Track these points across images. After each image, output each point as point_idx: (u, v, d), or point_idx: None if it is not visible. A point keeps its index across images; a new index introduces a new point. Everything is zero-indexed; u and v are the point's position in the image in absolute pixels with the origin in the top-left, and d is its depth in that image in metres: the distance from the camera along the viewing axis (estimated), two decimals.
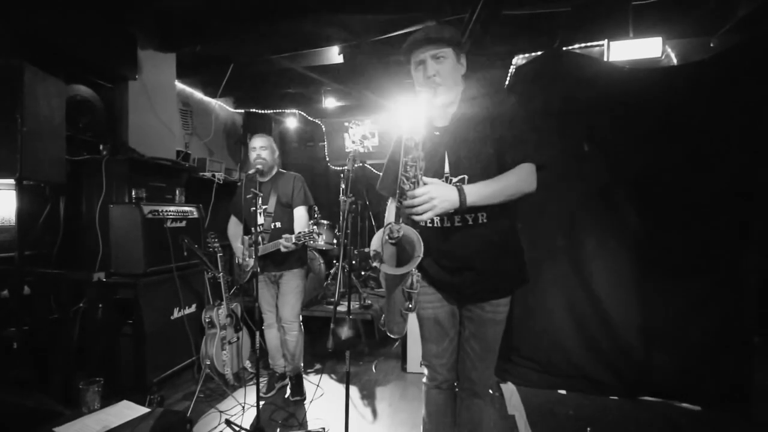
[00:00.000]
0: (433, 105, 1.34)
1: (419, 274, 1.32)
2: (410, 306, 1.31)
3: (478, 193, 1.23)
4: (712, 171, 2.41)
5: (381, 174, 1.61)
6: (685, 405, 2.46)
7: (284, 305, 2.61)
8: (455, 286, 1.42)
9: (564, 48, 2.74)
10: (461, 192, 1.21)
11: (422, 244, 1.22)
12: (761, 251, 2.41)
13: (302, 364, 2.76)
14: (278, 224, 2.56)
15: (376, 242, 1.30)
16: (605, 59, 2.66)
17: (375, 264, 1.28)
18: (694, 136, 2.44)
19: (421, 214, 1.19)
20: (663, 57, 2.58)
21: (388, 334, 1.43)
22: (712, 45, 2.69)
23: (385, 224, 1.37)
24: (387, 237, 1.26)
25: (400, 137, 1.53)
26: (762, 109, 2.29)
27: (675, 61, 2.68)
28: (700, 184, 2.45)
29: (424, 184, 1.22)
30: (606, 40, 2.64)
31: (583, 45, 2.71)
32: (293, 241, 2.34)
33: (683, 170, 2.47)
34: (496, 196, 1.26)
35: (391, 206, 1.56)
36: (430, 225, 1.40)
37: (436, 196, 1.19)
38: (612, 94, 2.56)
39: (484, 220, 1.35)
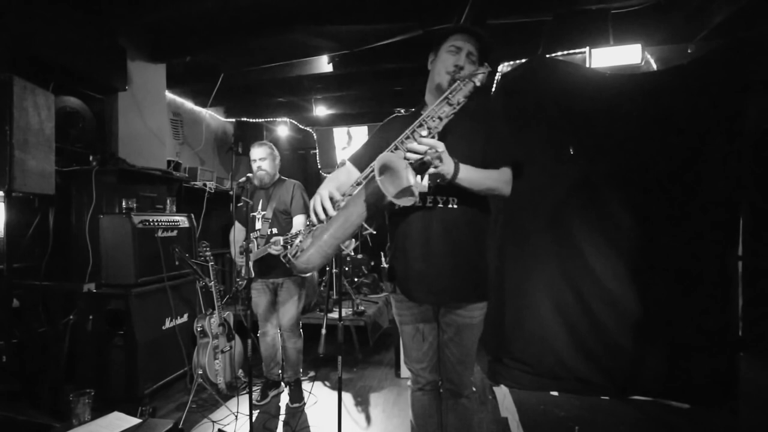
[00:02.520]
0: (443, 90, 1.39)
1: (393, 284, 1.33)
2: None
3: (468, 172, 1.30)
4: (695, 171, 2.48)
5: (358, 149, 1.56)
6: (674, 403, 2.49)
7: (284, 314, 2.62)
8: (427, 284, 1.40)
9: (548, 55, 2.80)
10: (456, 165, 1.27)
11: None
12: (745, 250, 2.47)
13: (301, 371, 2.78)
14: (274, 230, 2.58)
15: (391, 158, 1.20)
16: (587, 65, 2.73)
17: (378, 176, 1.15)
18: (675, 138, 2.51)
19: (423, 160, 1.20)
20: (643, 63, 2.65)
21: (299, 266, 1.24)
22: (689, 51, 2.77)
23: (323, 191, 1.29)
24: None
25: (390, 122, 1.56)
26: (737, 110, 2.37)
27: (654, 66, 2.75)
28: (684, 184, 2.51)
29: None
30: (588, 48, 2.70)
31: (565, 52, 2.78)
32: (281, 244, 2.36)
33: (667, 171, 2.54)
34: (480, 184, 1.33)
35: (342, 169, 1.51)
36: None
37: (444, 152, 1.23)
38: (595, 99, 2.62)
39: (454, 206, 1.39)
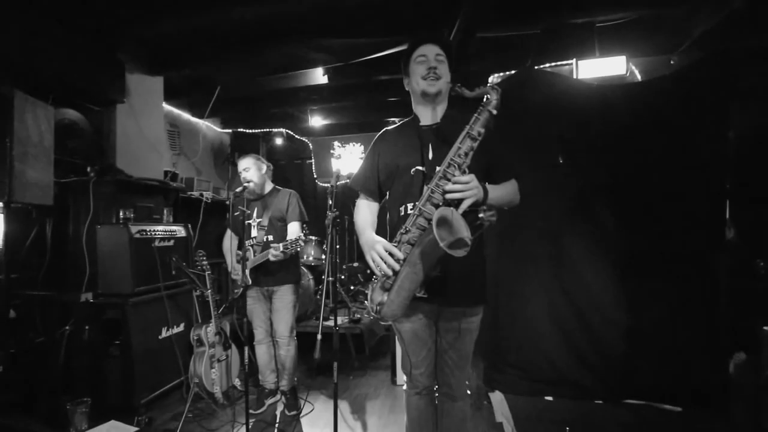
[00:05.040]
0: (428, 95, 1.49)
1: None
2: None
3: (494, 192, 1.39)
4: (680, 177, 2.55)
5: (357, 171, 1.68)
6: (666, 407, 2.52)
7: (279, 321, 2.64)
8: (435, 286, 1.43)
9: (536, 67, 2.89)
10: (485, 188, 1.35)
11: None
12: (733, 255, 2.53)
13: (296, 379, 2.78)
14: (270, 237, 2.62)
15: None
16: (574, 77, 2.81)
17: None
18: (659, 145, 2.59)
19: (460, 198, 1.29)
20: (627, 74, 2.75)
21: (385, 318, 1.39)
22: (672, 62, 2.88)
23: (360, 225, 1.53)
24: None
25: (381, 136, 1.64)
26: (719, 118, 2.46)
27: (639, 77, 2.85)
28: (670, 190, 2.57)
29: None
30: (574, 59, 2.80)
31: (553, 64, 2.87)
32: (281, 249, 2.40)
33: (653, 178, 2.61)
34: (504, 200, 1.44)
35: (362, 203, 1.64)
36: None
37: (476, 186, 1.31)
38: (582, 109, 2.70)
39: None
